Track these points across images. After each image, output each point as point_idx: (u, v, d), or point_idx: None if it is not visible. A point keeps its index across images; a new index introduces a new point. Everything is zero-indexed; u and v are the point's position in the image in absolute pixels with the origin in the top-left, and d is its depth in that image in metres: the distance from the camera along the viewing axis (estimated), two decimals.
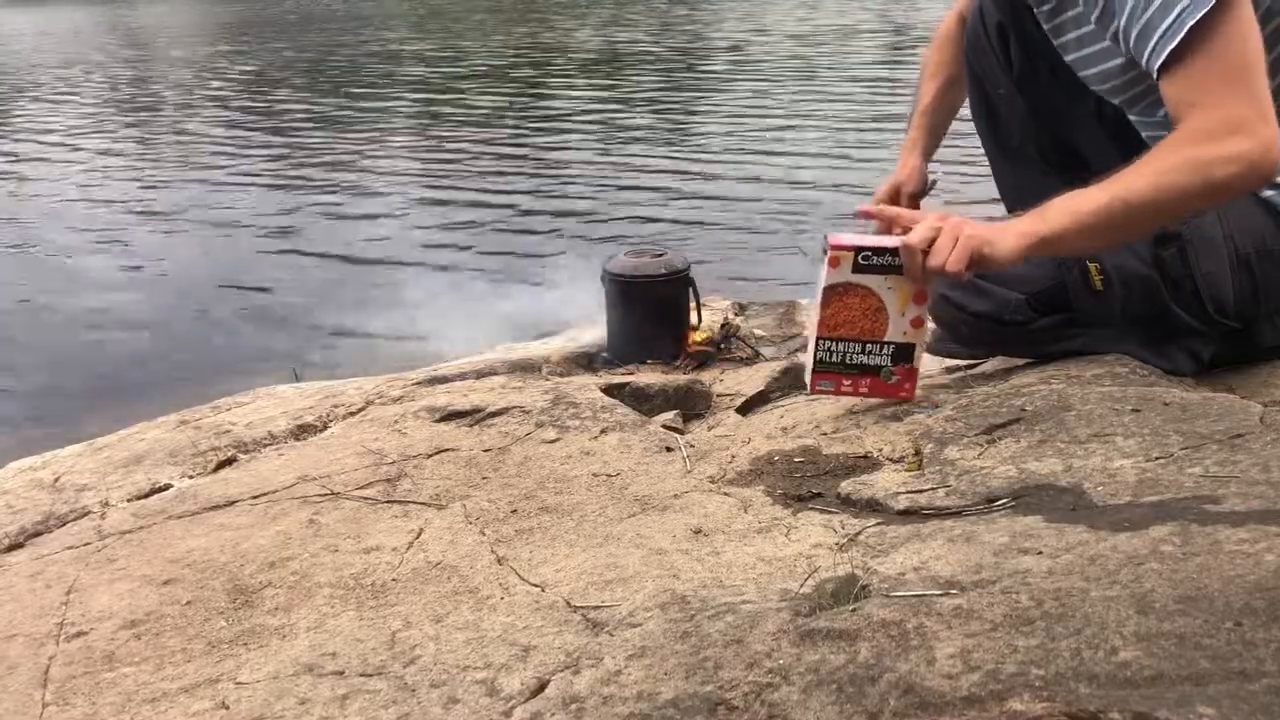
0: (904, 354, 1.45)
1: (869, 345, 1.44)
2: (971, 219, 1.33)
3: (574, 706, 0.85)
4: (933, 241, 1.33)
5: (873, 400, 1.50)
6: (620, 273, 2.17)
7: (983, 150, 1.80)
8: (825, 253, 1.41)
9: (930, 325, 1.47)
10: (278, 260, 5.14)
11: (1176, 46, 1.28)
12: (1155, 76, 1.33)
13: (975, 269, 1.33)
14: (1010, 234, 1.30)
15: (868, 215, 1.53)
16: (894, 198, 1.82)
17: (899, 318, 1.42)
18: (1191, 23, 1.26)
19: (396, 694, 0.94)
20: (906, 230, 1.35)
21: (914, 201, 1.82)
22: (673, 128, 8.05)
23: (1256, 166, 1.27)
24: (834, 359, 1.46)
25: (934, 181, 1.86)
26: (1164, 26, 1.28)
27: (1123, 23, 1.34)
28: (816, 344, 1.46)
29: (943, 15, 1.94)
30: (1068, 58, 1.51)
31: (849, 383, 1.47)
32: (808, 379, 1.50)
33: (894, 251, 1.38)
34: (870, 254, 1.39)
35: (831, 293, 1.42)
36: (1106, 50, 1.43)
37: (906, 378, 1.47)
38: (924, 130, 1.86)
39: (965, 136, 1.87)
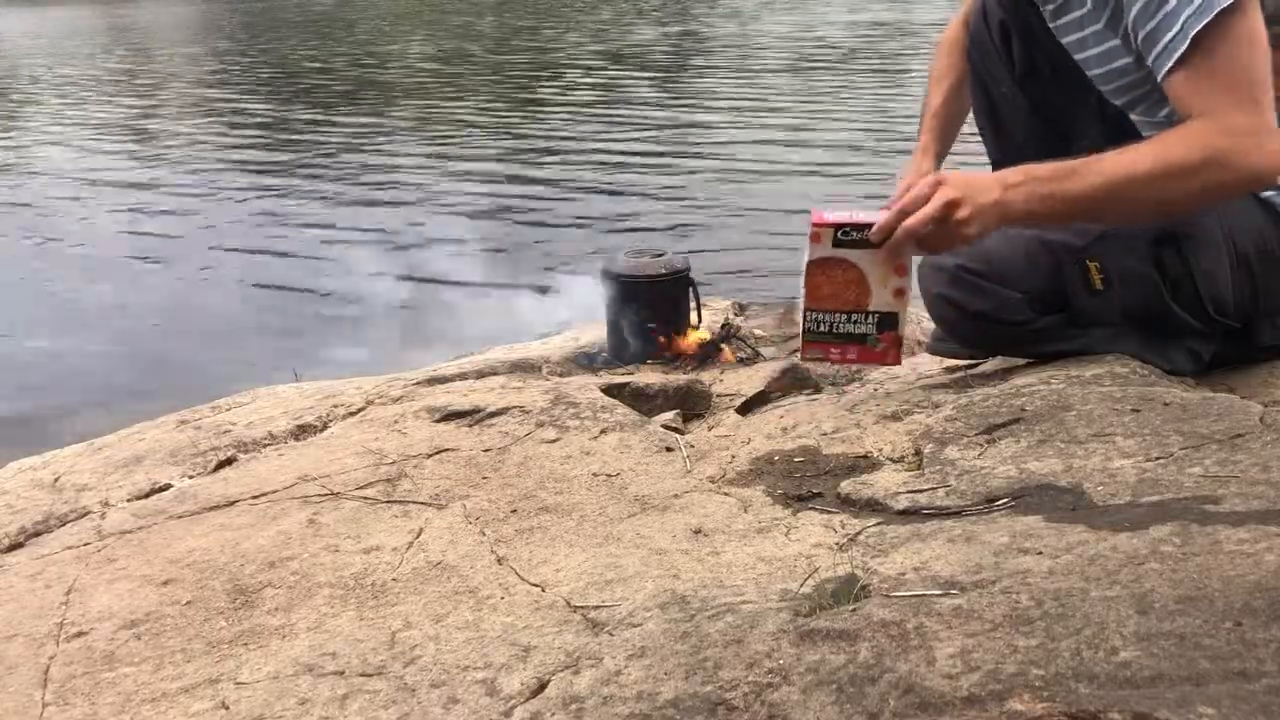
0: (889, 322, 1.50)
1: (854, 315, 1.50)
2: (965, 192, 1.34)
3: (574, 706, 0.85)
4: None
5: (872, 401, 1.50)
6: (620, 273, 2.17)
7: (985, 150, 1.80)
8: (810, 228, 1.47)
9: (914, 293, 1.52)
10: (278, 260, 5.14)
11: (1184, 52, 1.29)
12: (1161, 79, 1.34)
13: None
14: (994, 219, 1.34)
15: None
16: None
17: (881, 289, 1.47)
18: (1196, 29, 1.27)
19: (396, 694, 0.94)
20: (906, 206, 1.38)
21: None
22: (674, 127, 8.05)
23: (1259, 177, 1.31)
24: (822, 329, 1.52)
25: None
26: (1172, 32, 1.30)
27: (1130, 22, 1.35)
28: (805, 315, 1.52)
29: (949, 17, 1.94)
30: (1075, 56, 1.51)
31: (837, 351, 1.54)
32: (800, 348, 1.56)
33: (872, 227, 1.42)
34: (850, 230, 1.45)
35: (815, 266, 1.48)
36: (1114, 50, 1.43)
37: (892, 345, 1.52)
38: (934, 134, 1.86)
39: (973, 138, 1.87)
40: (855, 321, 1.50)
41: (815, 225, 1.46)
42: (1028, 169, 1.37)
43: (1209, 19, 1.27)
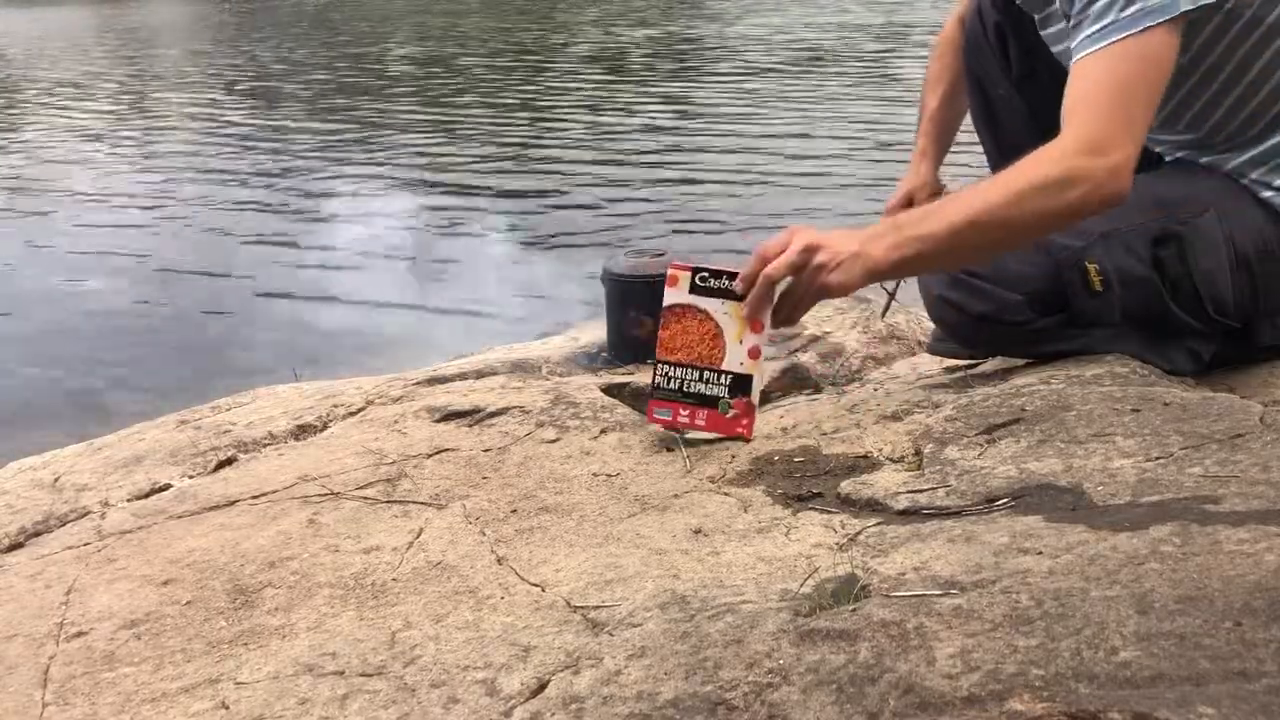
0: (742, 386, 1.43)
1: (707, 373, 1.43)
2: (823, 239, 1.32)
3: (574, 706, 0.85)
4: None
5: (872, 401, 1.49)
6: (620, 273, 2.17)
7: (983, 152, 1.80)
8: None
9: (766, 355, 1.44)
10: (278, 261, 5.14)
11: (1097, 50, 1.30)
12: (1072, 60, 1.35)
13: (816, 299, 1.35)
14: (859, 270, 1.30)
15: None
16: (907, 207, 1.82)
17: (736, 346, 1.41)
18: (1116, 38, 1.28)
19: (396, 694, 0.94)
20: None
21: None
22: (675, 127, 8.05)
23: (1103, 196, 1.29)
24: (672, 386, 1.44)
25: (944, 188, 1.86)
26: (1102, 24, 1.30)
27: (1072, 10, 1.36)
28: (655, 368, 1.45)
29: (944, 19, 1.94)
30: (1067, 65, 1.52)
31: (686, 413, 1.44)
32: (648, 405, 1.48)
33: (733, 275, 1.38)
34: (708, 275, 1.40)
35: (670, 313, 1.42)
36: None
37: (745, 413, 1.44)
38: (931, 138, 1.86)
39: (972, 142, 1.87)
40: (707, 381, 1.43)
41: (673, 268, 1.41)
42: (891, 220, 1.36)
43: (1136, 30, 1.27)
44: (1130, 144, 1.29)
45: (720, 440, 1.45)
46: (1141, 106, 1.30)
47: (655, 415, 1.47)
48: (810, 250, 1.30)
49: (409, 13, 23.18)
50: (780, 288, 1.36)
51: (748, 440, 1.44)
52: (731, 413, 1.44)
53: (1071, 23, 1.36)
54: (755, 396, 1.44)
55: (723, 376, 1.43)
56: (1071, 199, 1.29)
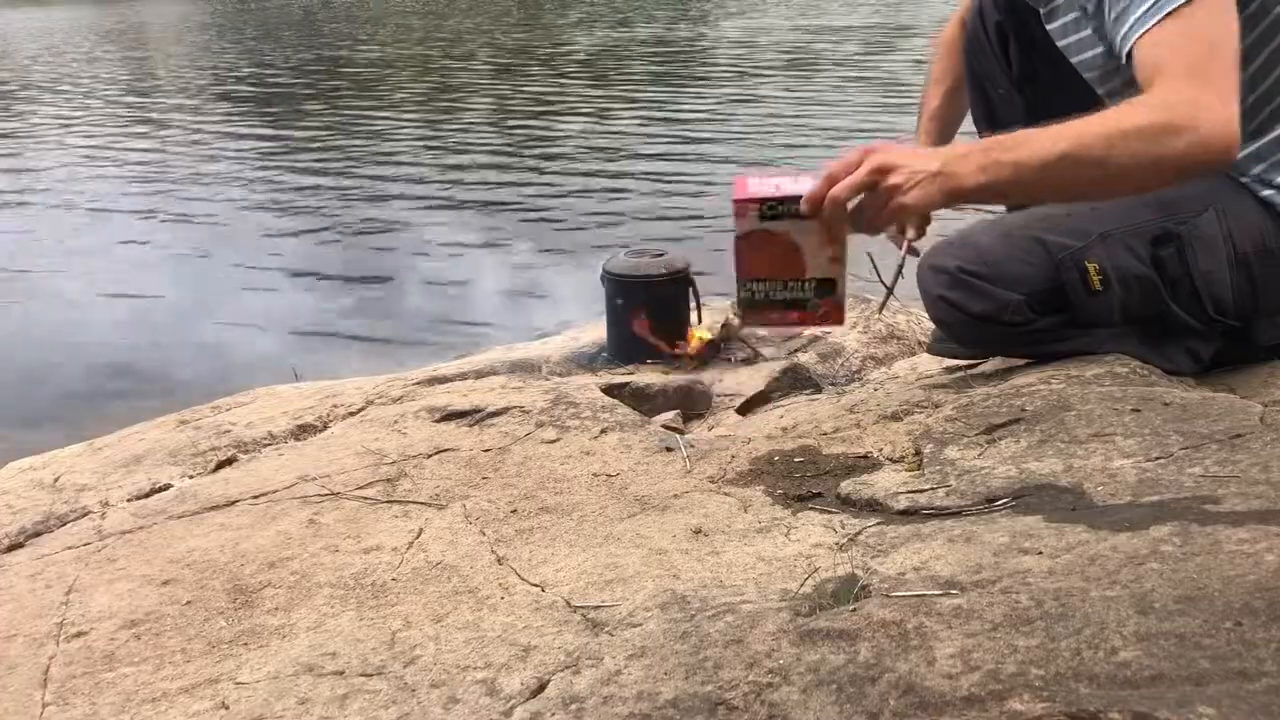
0: (826, 288, 1.41)
1: (791, 284, 1.42)
2: (898, 159, 1.26)
3: (574, 706, 0.85)
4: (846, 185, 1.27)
5: (872, 401, 1.49)
6: (620, 273, 2.17)
7: None
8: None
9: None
10: (278, 261, 5.14)
11: (1158, 22, 1.27)
12: (1129, 49, 1.31)
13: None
14: (937, 190, 1.24)
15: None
16: None
17: (816, 256, 1.39)
18: (1169, 9, 1.25)
19: (396, 694, 0.94)
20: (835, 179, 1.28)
21: None
22: (674, 127, 8.05)
23: (1209, 146, 1.23)
24: (759, 297, 1.44)
25: None
26: (1143, 9, 1.28)
27: (1106, 8, 1.35)
28: (739, 285, 1.44)
29: (948, 16, 1.94)
30: (1072, 60, 1.51)
31: (776, 314, 1.45)
32: (738, 319, 1.49)
33: (797, 199, 1.34)
34: (775, 204, 1.36)
35: (743, 241, 1.40)
36: (1102, 54, 1.43)
37: (832, 308, 1.44)
38: (933, 137, 1.86)
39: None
40: (791, 289, 1.42)
41: (737, 201, 1.38)
42: (978, 142, 1.29)
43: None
44: (1233, 97, 1.22)
45: (720, 440, 1.45)
46: (1228, 60, 1.24)
47: (747, 323, 1.50)
48: (881, 171, 1.25)
49: (394, 14, 23.18)
50: (851, 204, 1.30)
51: (839, 325, 1.46)
52: (820, 310, 1.43)
53: (1112, 14, 1.33)
54: (841, 292, 1.42)
55: (807, 284, 1.41)
56: (1178, 147, 1.21)
